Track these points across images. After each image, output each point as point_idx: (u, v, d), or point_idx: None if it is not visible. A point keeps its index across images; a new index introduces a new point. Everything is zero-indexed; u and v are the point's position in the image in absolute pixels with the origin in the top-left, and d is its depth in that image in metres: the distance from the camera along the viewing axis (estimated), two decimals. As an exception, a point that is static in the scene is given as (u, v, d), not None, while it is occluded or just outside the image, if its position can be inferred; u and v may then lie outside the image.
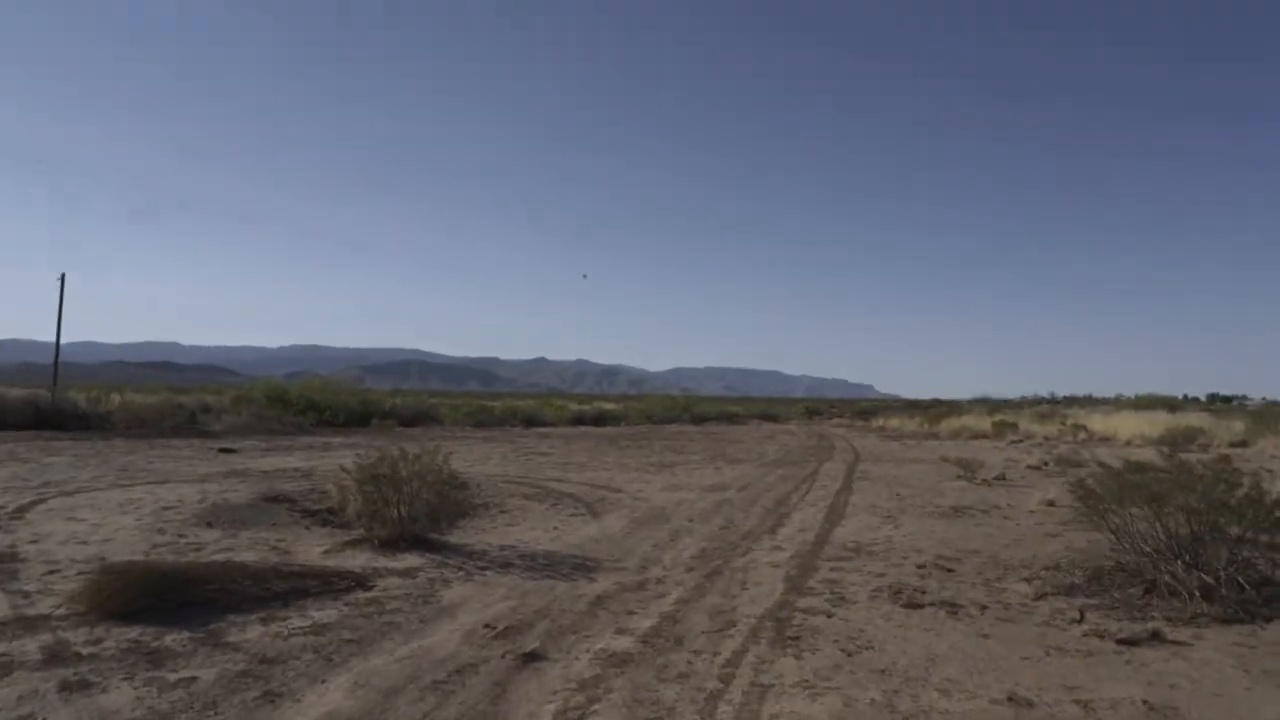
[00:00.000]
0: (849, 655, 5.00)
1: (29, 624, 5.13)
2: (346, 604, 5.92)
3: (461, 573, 7.10)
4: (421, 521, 8.16)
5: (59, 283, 36.86)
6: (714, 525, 10.18)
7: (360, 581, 6.50)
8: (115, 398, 31.67)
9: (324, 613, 5.66)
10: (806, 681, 4.52)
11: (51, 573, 6.65)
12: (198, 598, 5.61)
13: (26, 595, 5.86)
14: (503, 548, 8.35)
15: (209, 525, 9.02)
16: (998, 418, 38.39)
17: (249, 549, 7.83)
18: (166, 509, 10.11)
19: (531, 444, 24.68)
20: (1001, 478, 16.12)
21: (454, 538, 8.66)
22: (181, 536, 8.38)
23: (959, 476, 16.09)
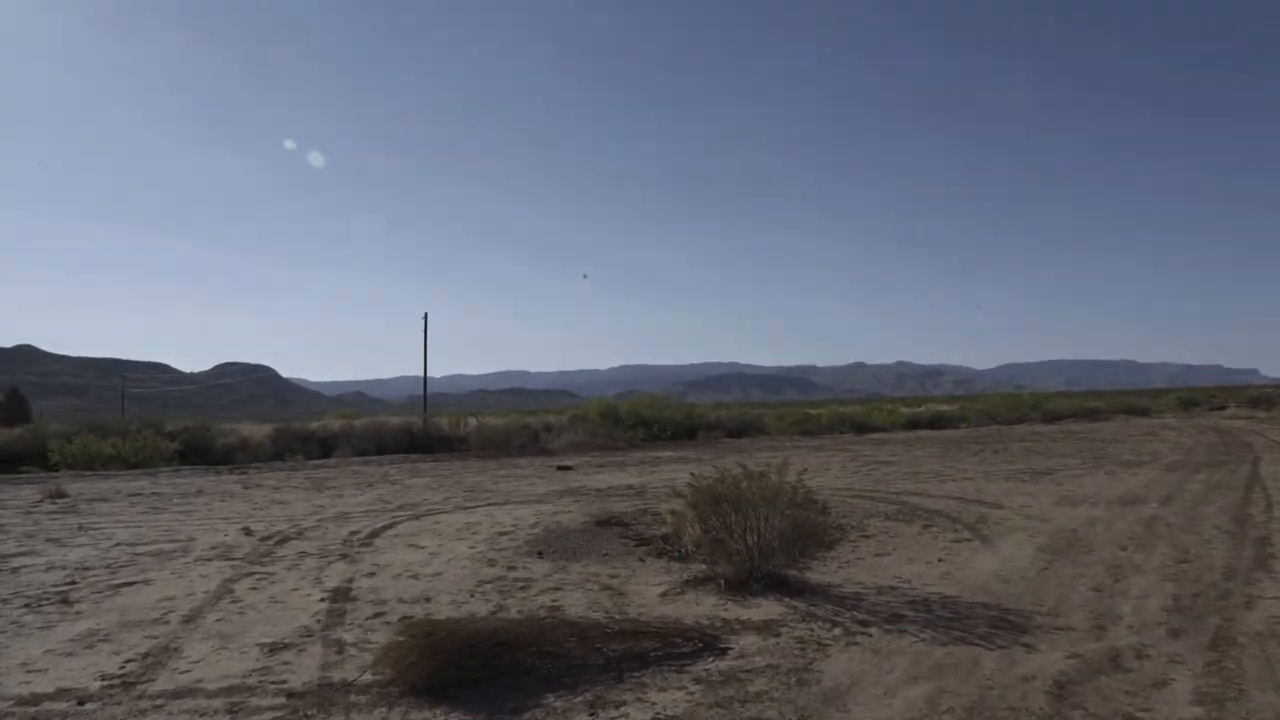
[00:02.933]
0: None
1: (325, 698, 4.21)
2: (696, 680, 4.40)
3: (837, 629, 5.32)
4: (775, 555, 6.53)
5: (423, 323, 41.28)
6: (1163, 556, 7.44)
7: (709, 642, 4.99)
8: (472, 421, 34.41)
9: (668, 697, 4.18)
10: None
11: (376, 615, 5.95)
12: (512, 666, 4.42)
13: (341, 650, 5.08)
14: (880, 589, 6.45)
15: (539, 555, 8.15)
16: None
17: (578, 587, 6.71)
18: (501, 534, 9.53)
19: (869, 451, 22.35)
20: None
21: (815, 575, 6.92)
22: (511, 569, 7.53)
23: None
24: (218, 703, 4.14)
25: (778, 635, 5.20)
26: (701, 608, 5.93)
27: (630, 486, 14.71)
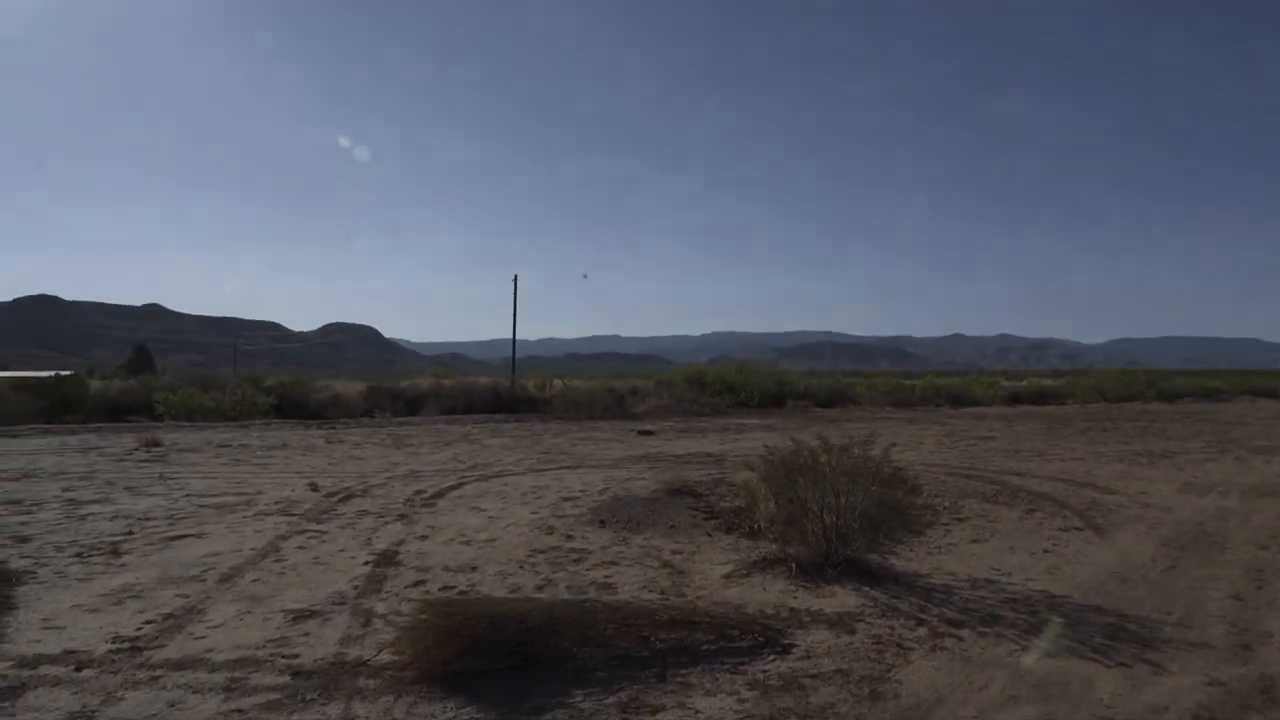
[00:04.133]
0: None
1: (332, 679, 3.78)
2: (750, 684, 3.78)
3: (922, 629, 4.61)
4: (855, 538, 5.83)
5: (513, 285, 41.36)
6: (1317, 559, 6.39)
7: (772, 637, 4.36)
8: (558, 384, 34.37)
9: (715, 704, 3.58)
10: None
11: (416, 584, 5.55)
12: (543, 654, 3.90)
13: (367, 622, 4.67)
14: (975, 582, 5.67)
15: (602, 524, 7.64)
16: None
17: (637, 563, 6.16)
18: (566, 500, 9.09)
19: (966, 426, 21.06)
20: None
21: (900, 561, 6.18)
22: (569, 538, 7.05)
23: None
24: (218, 678, 3.77)
25: (852, 632, 4.53)
26: (768, 594, 5.30)
27: (709, 454, 14.10)
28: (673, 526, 7.53)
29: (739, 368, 32.74)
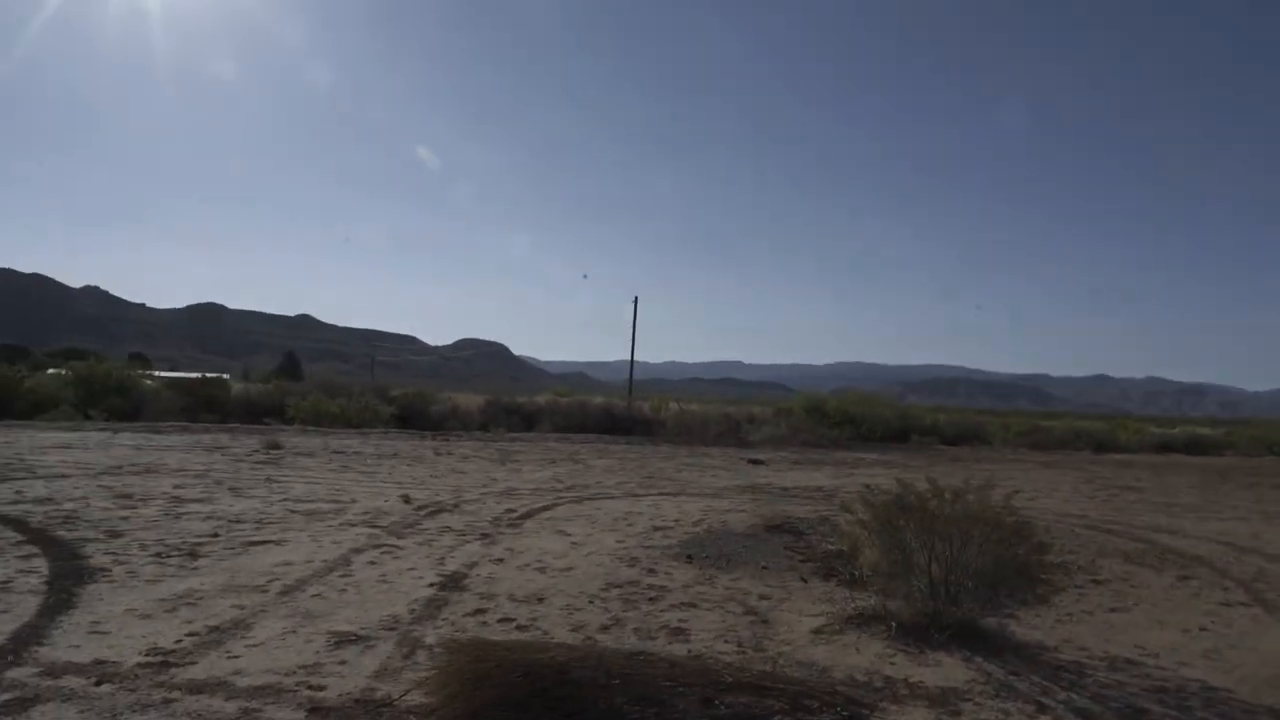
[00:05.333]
0: None
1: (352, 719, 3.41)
2: (822, 775, 3.17)
3: (1045, 718, 3.84)
4: (968, 597, 5.07)
5: (633, 306, 41.44)
6: None
7: (856, 713, 3.70)
8: (673, 406, 34.00)
9: (775, 795, 3.00)
10: None
11: (476, 612, 5.17)
12: (585, 712, 3.41)
13: (411, 653, 4.31)
14: (1113, 662, 4.79)
15: (689, 559, 7.09)
16: None
17: (717, 607, 5.58)
18: (657, 529, 8.59)
19: (1108, 474, 19.23)
20: None
21: (1021, 628, 5.35)
22: (650, 573, 6.54)
23: None
24: (230, 708, 3.47)
25: (957, 714, 3.81)
26: (861, 656, 4.61)
27: (820, 488, 13.29)
28: (765, 567, 6.89)
29: (861, 399, 31.42)
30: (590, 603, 5.54)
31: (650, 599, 5.71)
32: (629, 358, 43.36)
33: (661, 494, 11.75)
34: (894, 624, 5.05)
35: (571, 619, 5.13)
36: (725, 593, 5.99)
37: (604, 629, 4.94)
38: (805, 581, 6.44)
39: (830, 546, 7.55)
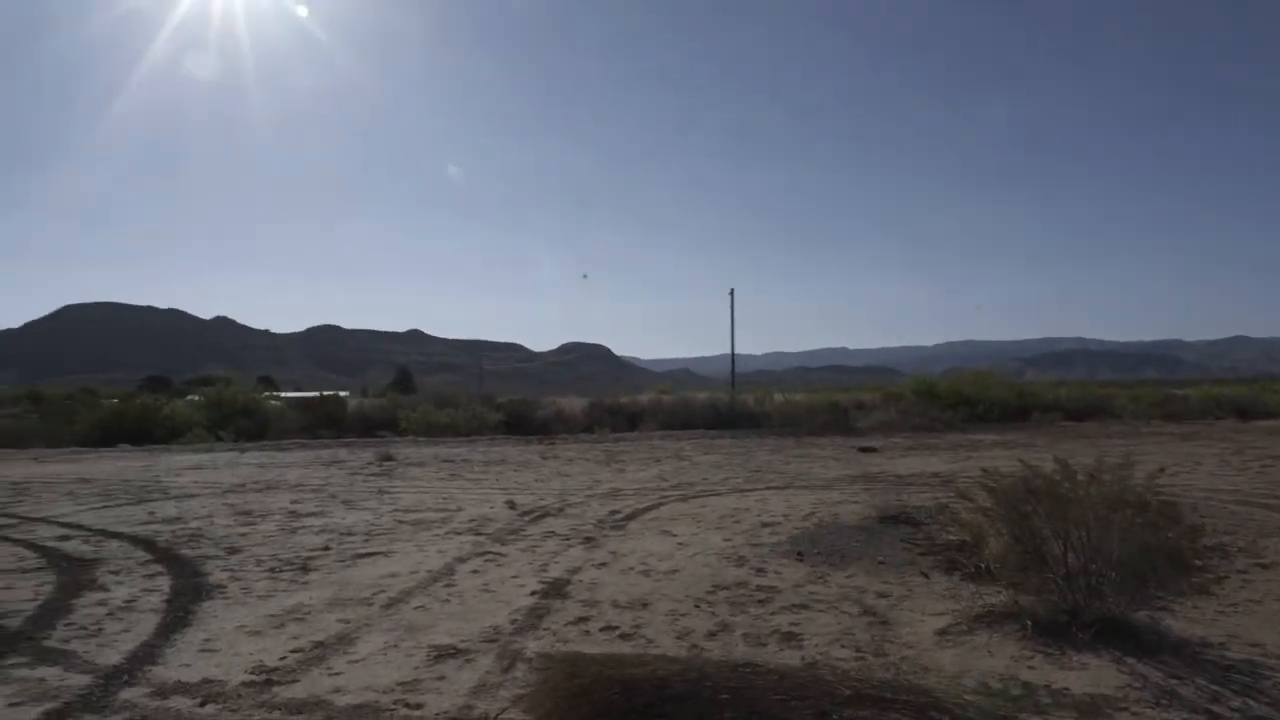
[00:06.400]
0: None
1: (444, 743, 3.27)
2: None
3: (1216, 731, 3.37)
4: (1110, 590, 4.58)
5: (729, 297, 40.94)
6: None
7: (992, 726, 3.34)
8: (777, 398, 33.37)
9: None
10: None
11: (578, 621, 5.01)
12: (688, 731, 3.17)
13: (510, 666, 4.17)
14: (1291, 659, 4.22)
15: (799, 557, 6.76)
16: None
17: (832, 608, 5.24)
18: (765, 525, 8.27)
19: (1259, 443, 17.63)
20: None
21: (1178, 622, 4.80)
22: (759, 572, 6.25)
23: None
24: (328, 729, 3.39)
25: (1109, 728, 3.39)
26: (995, 659, 4.21)
27: (937, 474, 12.66)
28: (881, 562, 6.49)
29: (975, 378, 30.08)
30: (696, 607, 5.30)
31: (759, 601, 5.42)
32: (730, 351, 42.86)
33: (769, 488, 11.41)
34: (1029, 622, 4.60)
35: (676, 625, 4.90)
36: (839, 592, 5.64)
37: (711, 635, 4.69)
38: (926, 577, 6.01)
39: (951, 537, 7.07)
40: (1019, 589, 4.91)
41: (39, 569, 6.62)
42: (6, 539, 7.95)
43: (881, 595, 5.53)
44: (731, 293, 40.68)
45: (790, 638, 4.62)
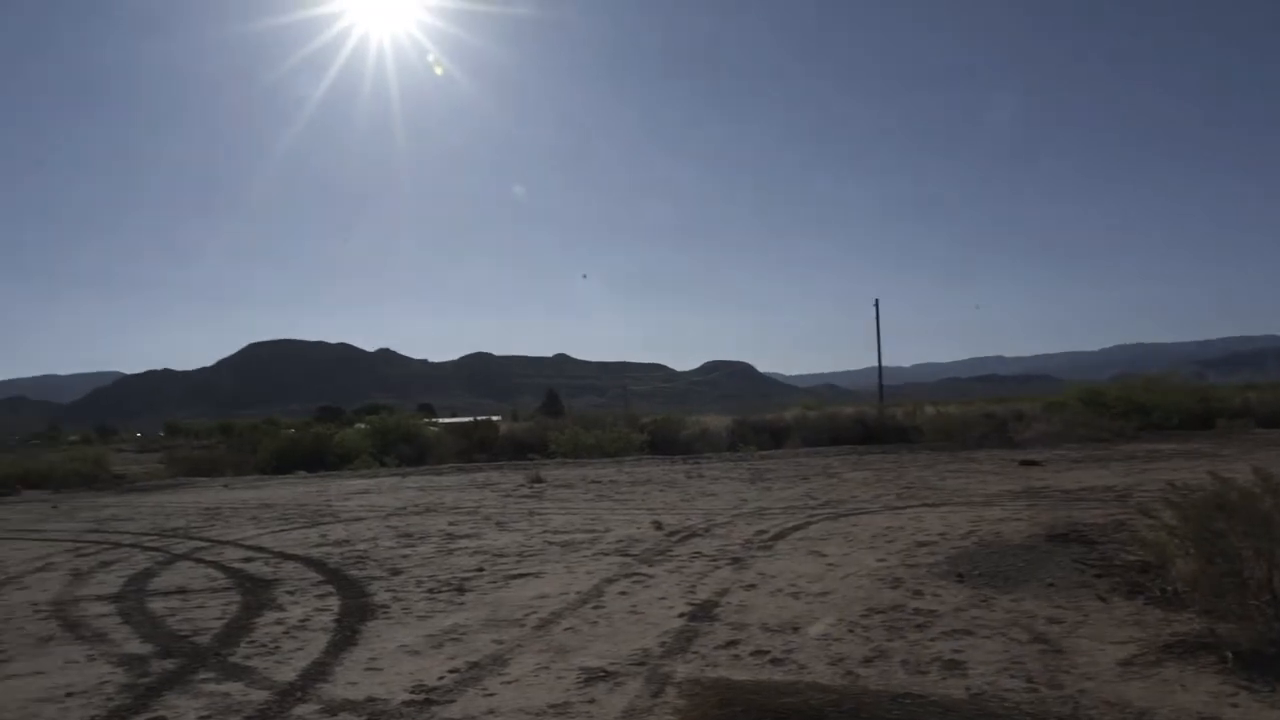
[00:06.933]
0: None
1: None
2: None
3: None
4: (1329, 618, 4.06)
5: (874, 309, 39.84)
6: None
7: (1192, 769, 3.00)
8: (928, 410, 32.06)
9: None
10: None
11: (727, 645, 4.90)
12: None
13: (659, 691, 4.10)
14: None
15: (959, 578, 6.39)
16: None
17: (998, 634, 4.91)
18: (921, 545, 7.90)
19: None
20: None
21: None
22: (916, 595, 5.95)
23: None
24: (484, 751, 3.45)
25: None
26: (1190, 695, 3.80)
27: (1109, 488, 11.74)
28: (1051, 585, 6.04)
29: (1149, 384, 27.83)
30: (850, 631, 5.09)
31: (917, 625, 5.15)
32: (877, 364, 41.64)
33: (923, 505, 10.92)
34: (1229, 653, 4.14)
35: (830, 650, 4.72)
36: (1006, 616, 5.28)
37: (866, 662, 4.48)
38: (1104, 600, 5.54)
39: (1131, 558, 6.50)
40: (1215, 616, 4.45)
41: (226, 589, 7.16)
42: (200, 561, 8.66)
43: (1053, 621, 5.13)
44: (876, 303, 39.62)
45: (953, 666, 4.35)
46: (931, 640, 4.83)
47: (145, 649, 5.31)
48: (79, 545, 10.21)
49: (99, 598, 6.97)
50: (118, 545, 10.05)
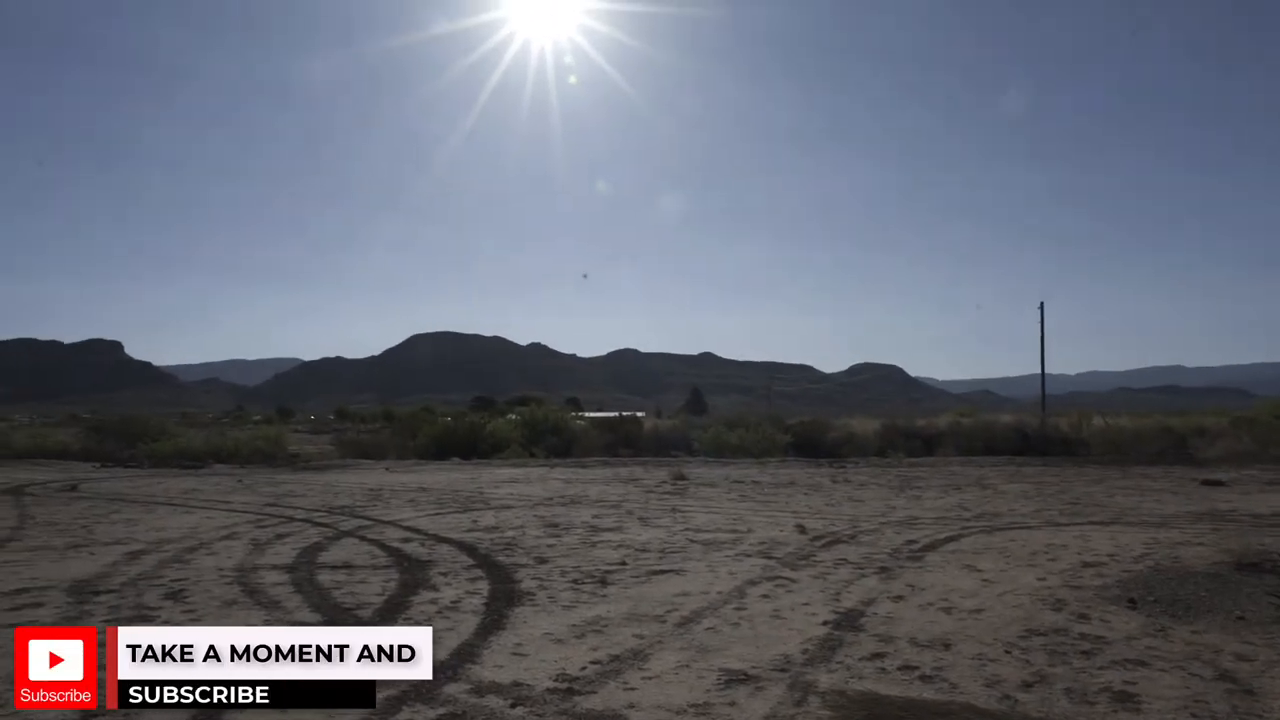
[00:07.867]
0: None
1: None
2: None
3: None
4: None
5: (1039, 313, 37.57)
6: None
7: None
8: (1097, 422, 29.95)
9: None
10: None
11: (873, 657, 4.75)
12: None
13: (802, 700, 4.02)
14: None
15: (1130, 604, 5.92)
16: None
17: (1176, 667, 4.51)
18: (1087, 566, 7.38)
19: None
20: None
21: None
22: (1081, 619, 5.56)
23: None
24: (624, 744, 3.49)
25: None
26: None
27: (1312, 515, 10.57)
28: (1240, 618, 5.50)
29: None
30: (1006, 653, 4.82)
31: (1083, 652, 4.81)
32: (1039, 370, 39.24)
33: (1090, 523, 10.21)
34: None
35: (984, 671, 4.48)
36: (1186, 649, 4.85)
37: (1025, 686, 4.23)
38: (1305, 639, 4.99)
39: (1339, 594, 5.82)
40: None
41: (386, 566, 7.60)
42: (365, 538, 9.24)
43: (1242, 658, 4.67)
44: (1041, 306, 37.38)
45: (1125, 699, 4.03)
46: (1100, 669, 4.50)
47: (314, 618, 5.71)
48: (260, 517, 11.11)
49: (275, 567, 7.55)
50: (291, 519, 10.86)
